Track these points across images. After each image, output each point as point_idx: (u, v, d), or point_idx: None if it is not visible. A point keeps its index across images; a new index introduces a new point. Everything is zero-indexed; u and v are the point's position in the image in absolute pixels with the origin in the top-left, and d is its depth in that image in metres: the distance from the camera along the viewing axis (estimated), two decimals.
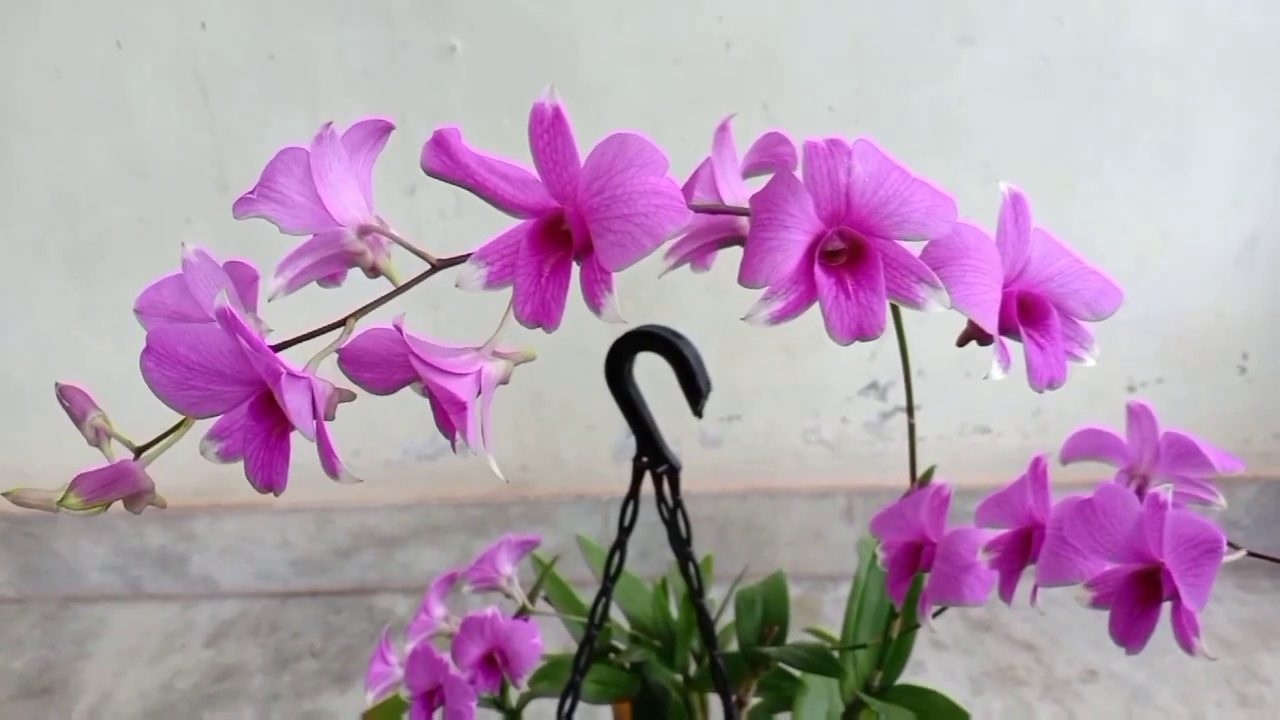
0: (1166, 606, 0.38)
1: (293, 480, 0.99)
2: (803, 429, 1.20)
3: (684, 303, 1.10)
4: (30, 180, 1.07)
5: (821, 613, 1.18)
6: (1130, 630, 0.37)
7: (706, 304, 1.10)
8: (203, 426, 0.33)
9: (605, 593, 0.60)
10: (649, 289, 1.09)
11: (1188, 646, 0.36)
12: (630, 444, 1.27)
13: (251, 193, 0.33)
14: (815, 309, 0.34)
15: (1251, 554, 0.37)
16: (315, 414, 0.28)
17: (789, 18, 0.99)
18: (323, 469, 0.29)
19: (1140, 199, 1.07)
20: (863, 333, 0.31)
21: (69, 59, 1.02)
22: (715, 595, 0.69)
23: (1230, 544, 0.36)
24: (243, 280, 0.36)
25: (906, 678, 0.63)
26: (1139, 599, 0.37)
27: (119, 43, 1.01)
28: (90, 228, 1.09)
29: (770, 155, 0.41)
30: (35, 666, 1.14)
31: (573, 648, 0.64)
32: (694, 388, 0.51)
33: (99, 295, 1.12)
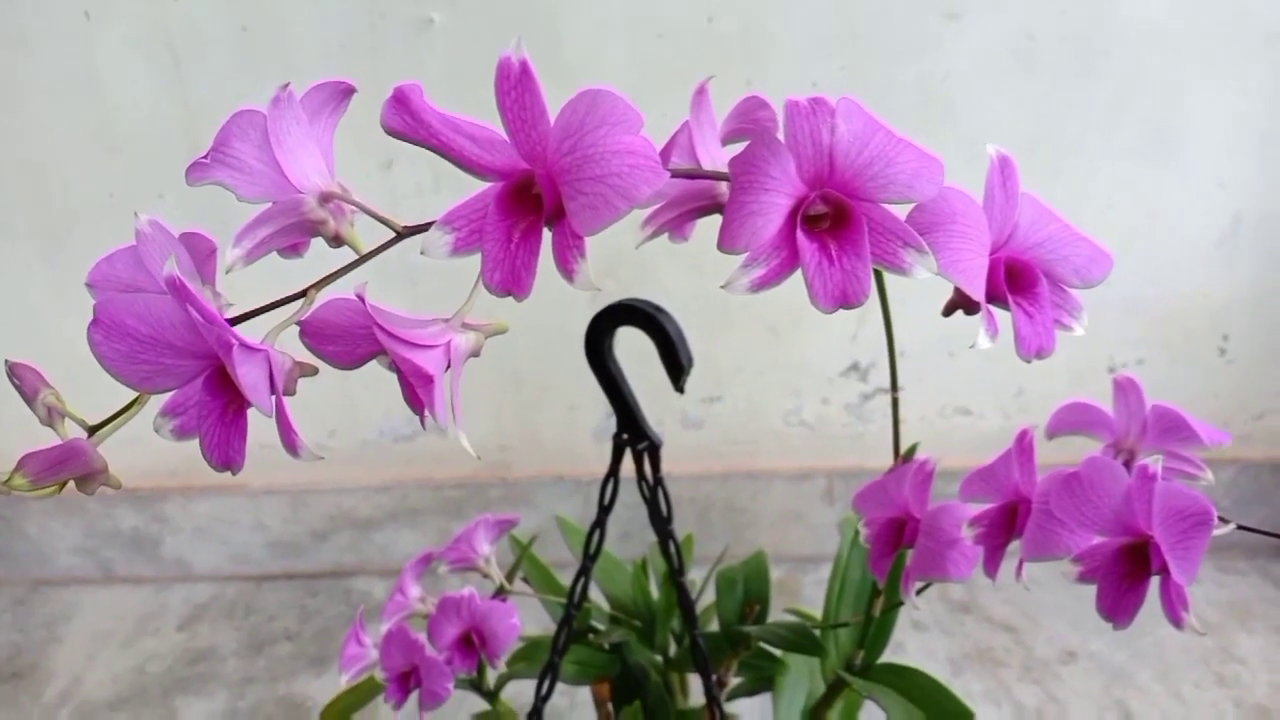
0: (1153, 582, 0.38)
1: (268, 461, 0.96)
2: (784, 410, 1.20)
3: (665, 281, 1.09)
4: None
5: (802, 594, 1.18)
6: (1118, 605, 0.37)
7: (688, 283, 1.09)
8: (157, 403, 0.32)
9: (585, 572, 0.59)
10: (629, 267, 1.07)
11: (1176, 621, 0.36)
12: (610, 425, 1.26)
13: (205, 157, 0.31)
14: (796, 279, 0.33)
15: (1241, 527, 0.36)
16: (273, 388, 0.27)
17: None
18: (282, 446, 0.28)
19: (1125, 178, 1.06)
20: (847, 300, 0.30)
21: (36, 29, 0.99)
22: (695, 576, 0.68)
23: (1221, 518, 0.35)
24: (200, 252, 0.35)
25: (886, 659, 0.63)
26: (1127, 573, 0.36)
27: (87, 13, 0.98)
28: (59, 202, 1.07)
29: (750, 120, 0.40)
30: (5, 651, 1.12)
31: (551, 630, 0.63)
32: (675, 363, 0.50)
33: (69, 272, 1.10)
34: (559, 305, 1.08)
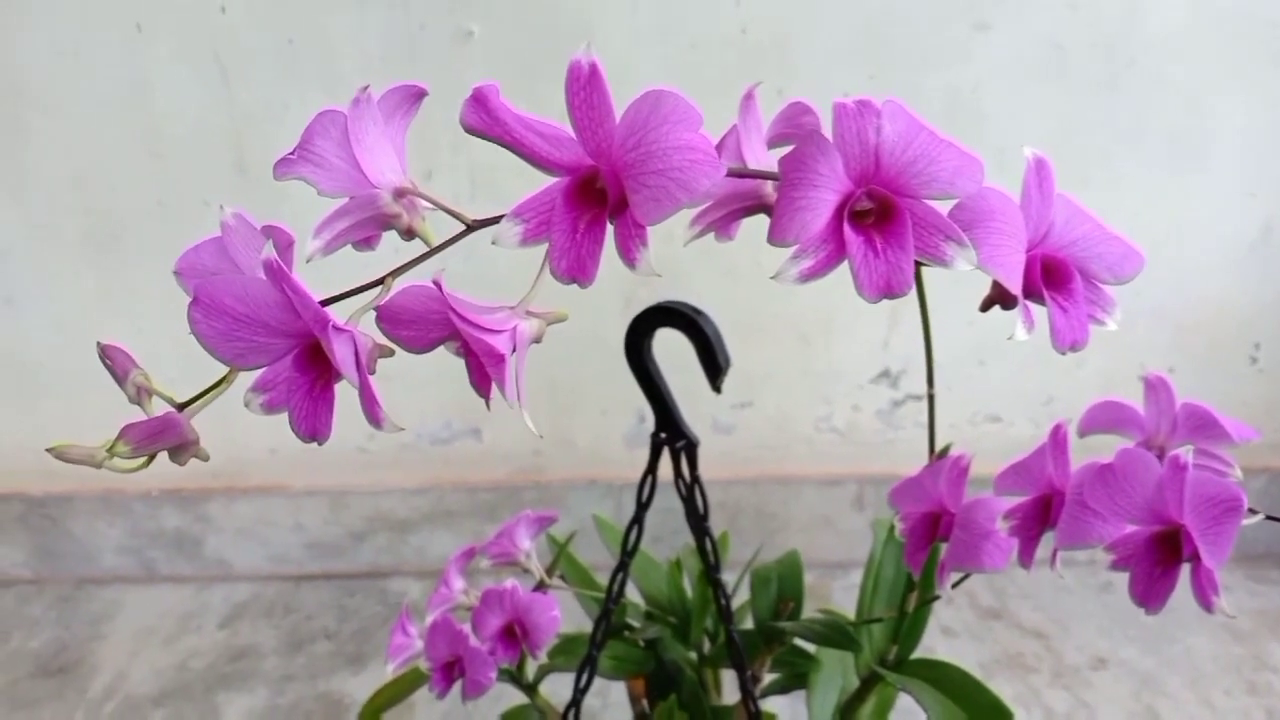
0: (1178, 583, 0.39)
1: (308, 463, 0.99)
2: (815, 416, 1.21)
3: (698, 289, 1.10)
4: (48, 161, 1.08)
5: (832, 599, 1.19)
6: (1150, 591, 0.38)
7: (720, 289, 1.11)
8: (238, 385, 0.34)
9: (623, 567, 0.61)
10: (664, 275, 1.09)
11: (1207, 605, 0.37)
12: (642, 430, 1.28)
13: (291, 153, 0.33)
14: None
15: (1270, 518, 0.37)
16: (359, 365, 0.29)
17: (804, 2, 1.00)
18: (366, 419, 0.30)
19: (1153, 187, 1.07)
20: (891, 290, 0.31)
21: (89, 41, 1.02)
22: (727, 578, 0.70)
23: (1250, 509, 0.36)
24: (279, 245, 0.37)
25: None
26: (1159, 560, 0.38)
27: (139, 25, 1.02)
28: (108, 209, 1.10)
29: (795, 125, 0.42)
30: (51, 647, 1.15)
31: (587, 628, 0.65)
32: (713, 363, 0.52)
33: (116, 277, 1.13)
34: (592, 312, 1.10)
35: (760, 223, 0.37)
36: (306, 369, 0.29)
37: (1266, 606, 1.14)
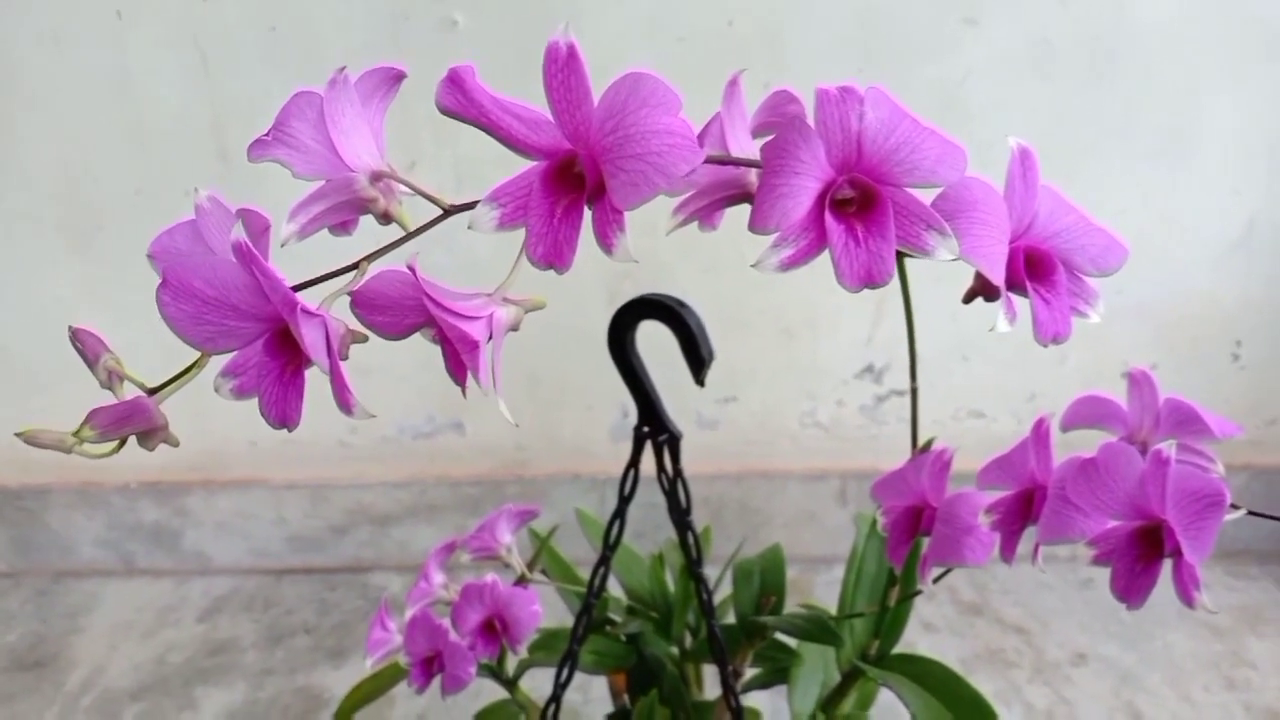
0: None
1: (288, 456, 0.98)
2: (799, 412, 1.21)
3: (682, 283, 1.10)
4: (29, 150, 1.07)
5: (814, 594, 1.19)
6: (1131, 586, 0.38)
7: (704, 285, 1.10)
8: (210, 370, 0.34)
9: (604, 561, 0.60)
10: (647, 270, 1.09)
11: (1188, 600, 0.37)
12: (626, 424, 1.27)
13: (266, 135, 0.33)
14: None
15: (1252, 513, 0.37)
16: (329, 351, 0.29)
17: None
18: (336, 405, 0.29)
19: (1139, 183, 1.08)
20: (872, 280, 0.31)
21: (69, 28, 1.01)
22: (710, 573, 0.69)
23: (1233, 504, 0.36)
24: (254, 229, 0.36)
25: None
26: (1140, 555, 0.38)
27: (119, 12, 1.00)
28: (89, 199, 1.09)
29: (779, 114, 0.41)
30: (27, 640, 1.13)
31: (568, 623, 0.64)
32: (696, 356, 0.52)
33: (97, 266, 1.12)
34: (576, 306, 1.10)
35: (744, 216, 0.36)
36: (277, 354, 0.29)
37: (1245, 602, 1.15)
